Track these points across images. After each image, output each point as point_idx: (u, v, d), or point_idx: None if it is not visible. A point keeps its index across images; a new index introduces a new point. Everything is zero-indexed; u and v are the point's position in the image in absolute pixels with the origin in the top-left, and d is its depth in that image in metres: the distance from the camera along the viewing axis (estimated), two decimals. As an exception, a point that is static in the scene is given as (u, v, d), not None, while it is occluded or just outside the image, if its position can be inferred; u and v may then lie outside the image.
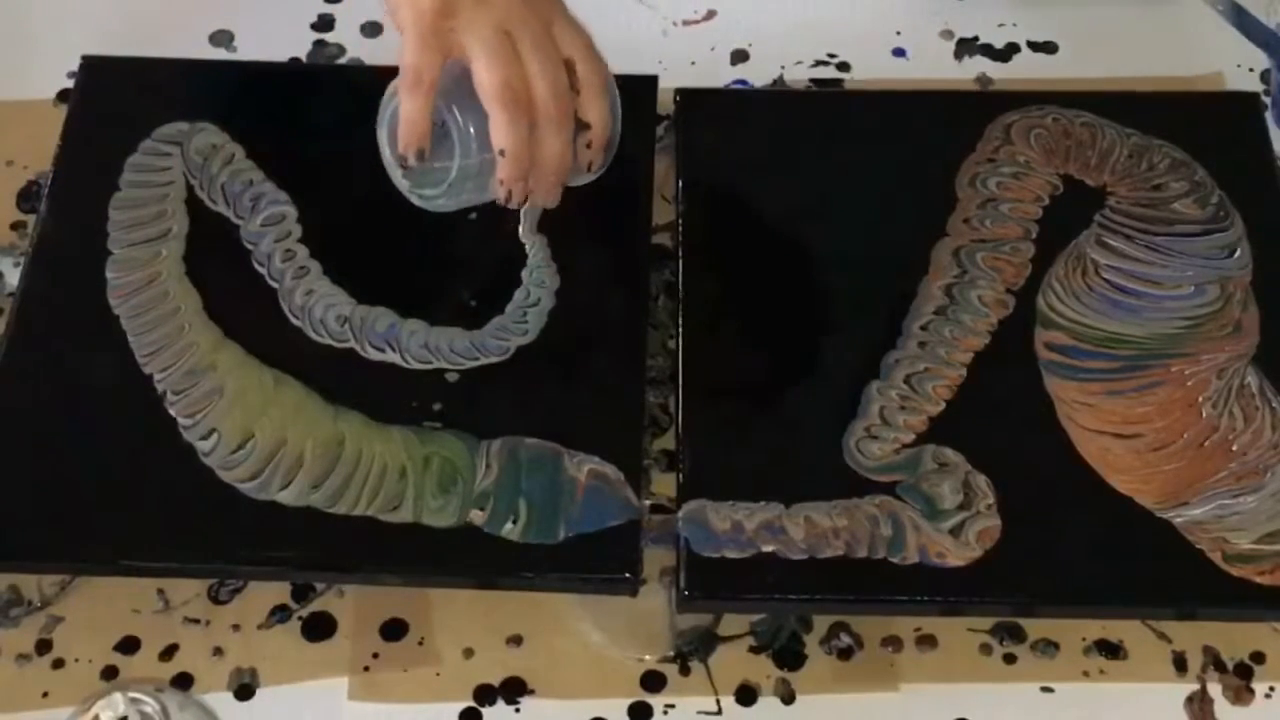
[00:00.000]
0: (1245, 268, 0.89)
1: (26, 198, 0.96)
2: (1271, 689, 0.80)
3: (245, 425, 0.83)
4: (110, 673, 0.80)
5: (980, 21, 1.05)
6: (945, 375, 0.85)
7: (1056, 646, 0.81)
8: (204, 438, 0.83)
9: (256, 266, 0.89)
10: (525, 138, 0.79)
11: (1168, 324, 0.87)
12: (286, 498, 0.81)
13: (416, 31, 0.79)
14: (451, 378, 0.85)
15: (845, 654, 0.81)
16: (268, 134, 0.94)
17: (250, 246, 0.90)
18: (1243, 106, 0.97)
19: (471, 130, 0.81)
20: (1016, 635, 0.81)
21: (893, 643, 0.81)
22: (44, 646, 0.80)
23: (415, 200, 0.84)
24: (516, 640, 0.81)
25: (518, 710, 0.79)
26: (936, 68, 1.03)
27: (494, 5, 0.79)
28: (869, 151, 0.95)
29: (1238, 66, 1.02)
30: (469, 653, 0.81)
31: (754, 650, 0.81)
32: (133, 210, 0.91)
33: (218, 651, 0.80)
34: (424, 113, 0.79)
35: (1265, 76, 1.01)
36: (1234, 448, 0.83)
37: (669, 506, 0.83)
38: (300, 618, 0.82)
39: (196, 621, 0.81)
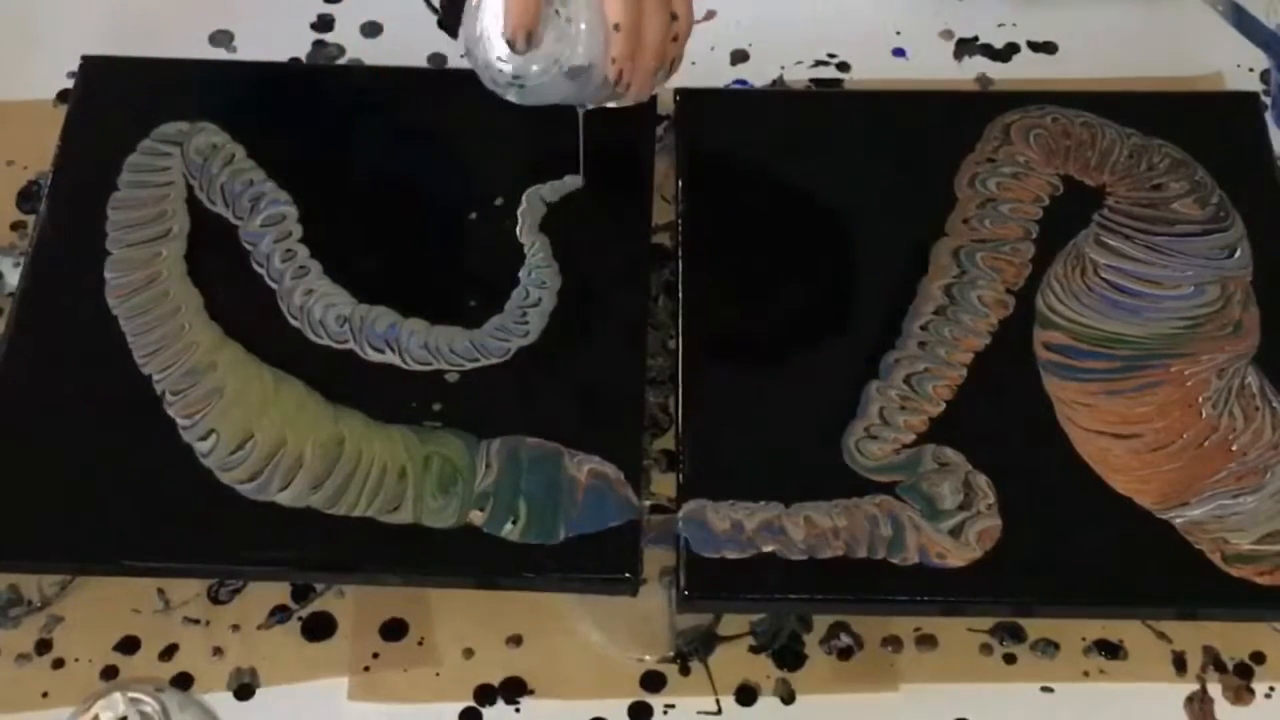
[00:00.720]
0: (1246, 268, 0.89)
1: (26, 198, 0.96)
2: (1271, 689, 0.80)
3: (245, 425, 0.83)
4: (110, 673, 0.80)
5: (980, 21, 1.05)
6: (945, 375, 0.85)
7: (1056, 646, 0.81)
8: (202, 438, 0.82)
9: (255, 267, 0.89)
10: (638, 12, 0.78)
11: (1167, 324, 0.87)
12: (285, 499, 0.81)
13: None
14: (451, 378, 0.85)
15: (845, 654, 0.81)
16: (268, 134, 0.94)
17: (249, 247, 0.90)
18: (1243, 106, 0.97)
19: (583, 17, 0.79)
20: (1016, 635, 0.81)
21: (893, 643, 0.81)
22: (44, 646, 0.80)
23: (511, 95, 0.81)
24: (516, 640, 0.81)
25: (518, 710, 0.79)
26: (936, 68, 1.03)
27: None
28: (869, 151, 0.94)
29: (1237, 66, 1.02)
30: (469, 653, 0.81)
31: (754, 650, 0.81)
32: (131, 210, 0.91)
33: (218, 651, 0.81)
34: None
35: (1265, 76, 1.01)
36: (1234, 448, 0.83)
37: (669, 506, 0.83)
38: (300, 618, 0.82)
39: (196, 621, 0.81)
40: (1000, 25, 1.05)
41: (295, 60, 1.02)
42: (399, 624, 0.81)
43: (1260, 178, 0.93)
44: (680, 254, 0.90)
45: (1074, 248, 0.90)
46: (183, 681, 0.80)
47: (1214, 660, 0.80)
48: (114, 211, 0.91)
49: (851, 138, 0.95)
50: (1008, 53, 1.03)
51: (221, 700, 0.79)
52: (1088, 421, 0.84)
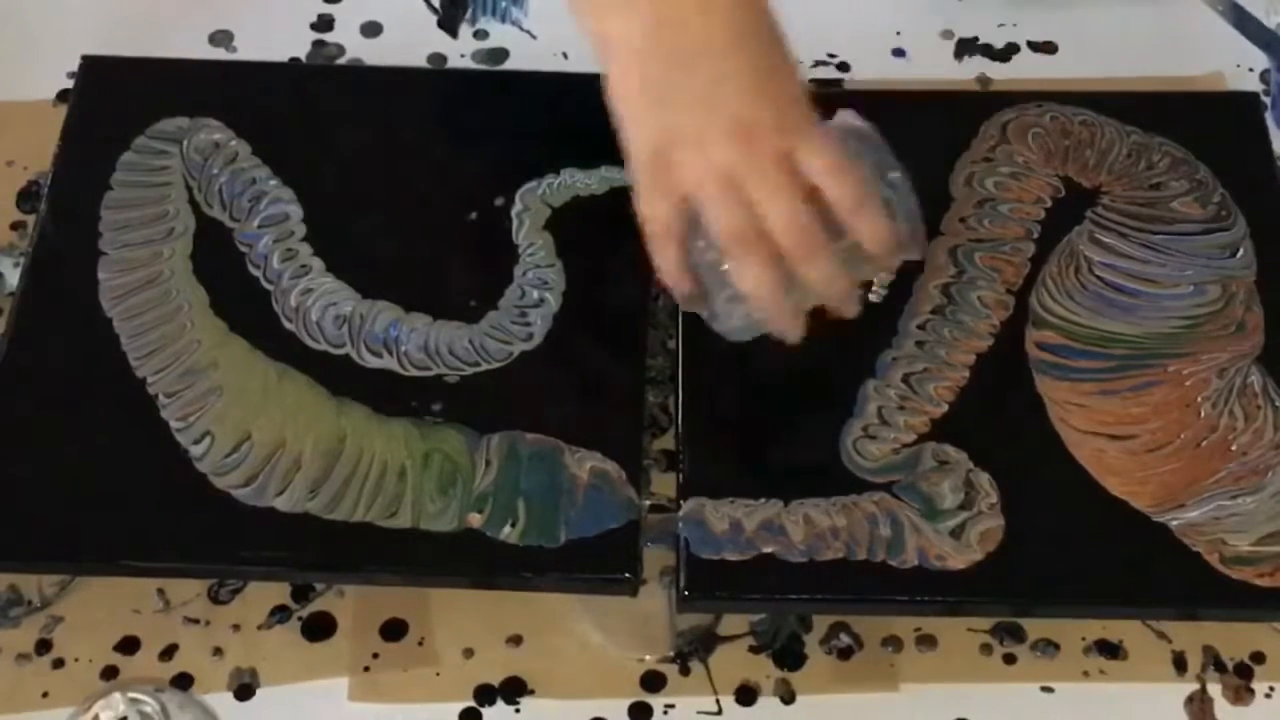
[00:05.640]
0: (1249, 267, 0.89)
1: (26, 198, 0.96)
2: (1271, 689, 0.80)
3: (242, 426, 0.83)
4: (110, 673, 0.80)
5: (980, 21, 1.05)
6: (946, 376, 0.85)
7: (1056, 646, 0.81)
8: (196, 442, 0.82)
9: (251, 269, 0.89)
10: (770, 279, 0.75)
11: (1165, 323, 0.87)
12: (282, 504, 0.80)
13: (642, 181, 0.76)
14: (451, 379, 0.85)
15: (845, 654, 0.81)
16: (267, 134, 0.94)
17: (245, 249, 0.90)
18: (1243, 106, 0.97)
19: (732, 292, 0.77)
20: (1016, 635, 0.81)
21: (893, 643, 0.81)
22: (44, 646, 0.81)
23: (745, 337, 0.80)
24: (516, 640, 0.81)
25: (518, 710, 0.79)
26: (936, 68, 1.03)
27: (712, 149, 0.73)
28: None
29: (1237, 66, 1.02)
30: (469, 653, 0.81)
31: (754, 650, 0.81)
32: (126, 211, 0.90)
33: (218, 651, 0.81)
34: (677, 265, 0.76)
35: (1265, 76, 1.01)
36: (1233, 448, 0.83)
37: (669, 506, 0.83)
38: (300, 618, 0.82)
39: (196, 621, 0.81)
40: (1000, 25, 1.05)
41: (295, 60, 1.02)
42: (399, 624, 0.81)
43: (1260, 178, 0.93)
44: (680, 254, 0.90)
45: (1067, 245, 0.90)
46: (183, 681, 0.80)
47: (1214, 660, 0.80)
48: (107, 211, 0.90)
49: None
50: (1008, 53, 1.03)
51: (221, 700, 0.79)
52: (1080, 422, 0.83)
